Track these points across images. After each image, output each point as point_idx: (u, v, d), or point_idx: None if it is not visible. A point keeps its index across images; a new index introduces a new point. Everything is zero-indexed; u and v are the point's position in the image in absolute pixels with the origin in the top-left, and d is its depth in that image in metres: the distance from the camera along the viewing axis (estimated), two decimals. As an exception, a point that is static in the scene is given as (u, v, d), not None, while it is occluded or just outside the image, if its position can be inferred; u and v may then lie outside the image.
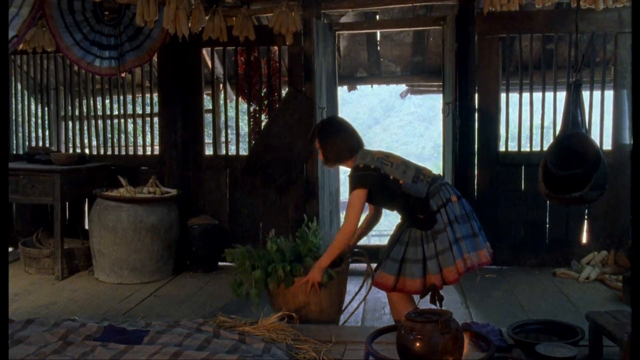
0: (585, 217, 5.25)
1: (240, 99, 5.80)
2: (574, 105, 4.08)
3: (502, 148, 5.34)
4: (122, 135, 6.05)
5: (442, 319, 2.31)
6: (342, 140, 3.49)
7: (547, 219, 5.26)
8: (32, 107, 6.43)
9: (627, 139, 5.11)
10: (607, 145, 5.14)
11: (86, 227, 5.60)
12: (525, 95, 5.28)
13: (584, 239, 5.26)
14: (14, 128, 6.33)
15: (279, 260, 3.69)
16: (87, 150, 6.11)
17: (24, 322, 3.56)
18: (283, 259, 3.71)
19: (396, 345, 2.38)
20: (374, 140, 32.11)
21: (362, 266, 4.03)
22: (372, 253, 4.47)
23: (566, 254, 5.19)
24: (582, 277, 4.84)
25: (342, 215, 4.19)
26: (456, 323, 2.38)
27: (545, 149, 4.89)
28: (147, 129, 5.98)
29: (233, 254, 3.84)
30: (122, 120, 6.15)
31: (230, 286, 3.78)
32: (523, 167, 5.27)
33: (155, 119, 5.86)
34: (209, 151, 5.77)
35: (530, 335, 3.24)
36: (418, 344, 2.26)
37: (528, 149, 5.33)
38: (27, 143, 6.35)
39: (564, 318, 3.51)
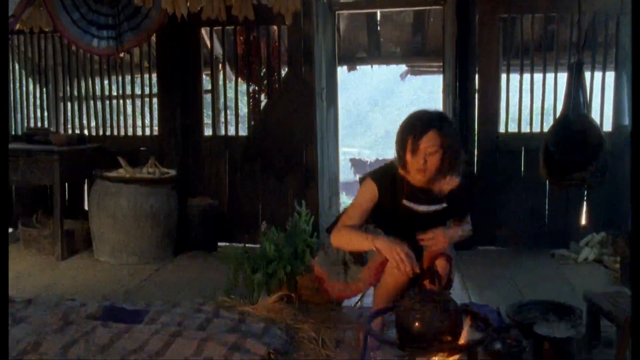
0: (585, 199, 5.26)
1: (239, 79, 5.77)
2: (575, 86, 4.06)
3: (502, 129, 5.33)
4: (121, 116, 6.02)
5: (441, 299, 2.32)
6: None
7: (547, 201, 5.27)
8: (31, 87, 6.40)
9: (628, 120, 5.09)
10: (607, 127, 5.13)
11: (86, 208, 5.60)
12: (526, 77, 5.26)
13: (583, 220, 5.27)
14: (12, 109, 6.30)
15: (277, 259, 3.70)
16: (86, 131, 6.09)
17: (24, 302, 3.59)
18: (281, 256, 3.72)
19: (395, 326, 2.39)
20: (373, 124, 32.02)
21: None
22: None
23: (565, 235, 5.20)
24: (580, 259, 4.86)
25: (342, 200, 4.14)
26: (455, 304, 2.39)
27: (545, 130, 4.88)
28: (146, 109, 5.95)
29: (227, 255, 3.86)
30: (121, 101, 6.11)
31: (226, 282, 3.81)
32: (523, 149, 5.26)
33: (154, 100, 5.83)
34: (208, 132, 5.75)
35: (528, 316, 3.27)
36: (417, 324, 2.27)
37: (528, 131, 5.32)
38: (25, 124, 6.33)
39: (562, 299, 3.52)
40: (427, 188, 2.95)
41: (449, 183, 3.00)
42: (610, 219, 5.14)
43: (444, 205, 2.99)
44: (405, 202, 2.94)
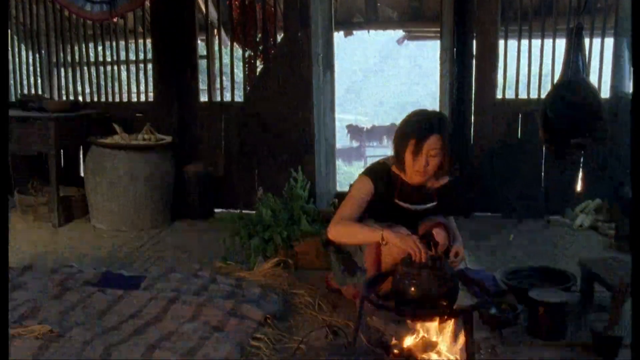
0: (581, 165, 5.26)
1: (235, 44, 5.71)
2: (575, 51, 4.02)
3: (499, 95, 5.30)
4: (116, 82, 5.96)
5: (437, 264, 2.33)
6: None
7: (543, 167, 5.28)
8: (23, 53, 6.31)
9: (627, 87, 5.07)
10: (605, 94, 5.10)
11: (82, 174, 5.59)
12: (524, 43, 5.21)
13: (579, 187, 5.29)
14: (5, 75, 6.22)
15: (274, 225, 3.71)
16: (80, 98, 6.03)
17: (22, 269, 3.60)
18: (277, 222, 3.72)
19: (391, 291, 2.41)
20: (369, 89, 31.86)
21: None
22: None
23: (561, 202, 5.22)
24: (575, 225, 4.88)
25: (339, 166, 4.13)
26: (451, 269, 2.40)
27: (542, 96, 4.86)
28: (141, 75, 5.89)
29: (224, 220, 3.87)
30: (115, 67, 6.04)
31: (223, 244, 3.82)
32: (520, 115, 5.25)
33: (149, 65, 5.77)
34: (203, 98, 5.71)
35: (523, 281, 3.30)
36: (413, 289, 2.28)
37: (525, 97, 5.29)
38: (19, 90, 6.27)
39: (557, 264, 3.55)
40: (420, 186, 3.01)
41: (440, 180, 3.06)
42: (606, 186, 5.16)
43: (434, 203, 3.06)
44: (397, 201, 3.01)
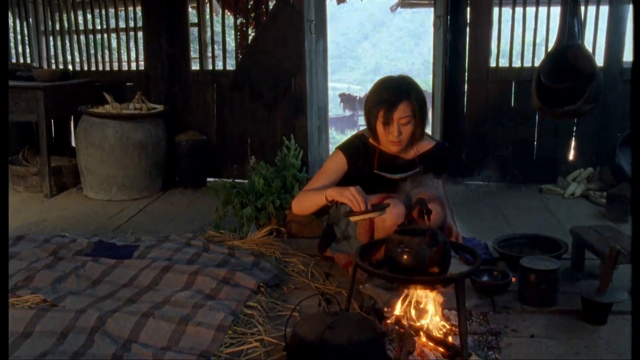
0: (574, 134, 5.27)
1: (226, 11, 5.63)
2: (571, 16, 3.97)
3: (492, 64, 5.27)
4: (106, 51, 5.89)
5: (430, 232, 2.33)
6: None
7: (536, 136, 5.28)
8: (10, 21, 6.21)
9: (623, 55, 5.05)
10: (599, 62, 5.07)
11: (73, 144, 5.55)
12: (519, 10, 5.16)
13: (571, 156, 5.30)
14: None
15: (267, 193, 3.70)
16: (70, 67, 5.96)
17: (14, 239, 3.59)
18: (270, 190, 3.71)
19: (384, 258, 2.41)
20: (363, 57, 31.64)
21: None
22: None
23: (553, 170, 5.24)
24: (567, 193, 4.90)
25: (332, 136, 4.11)
26: (443, 236, 2.41)
27: (536, 65, 4.83)
28: (132, 44, 5.82)
29: (216, 188, 3.85)
30: (105, 35, 5.96)
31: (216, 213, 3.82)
32: (513, 84, 5.23)
33: (140, 34, 5.70)
34: (195, 66, 5.65)
35: (515, 249, 3.32)
36: (405, 257, 2.29)
37: (519, 65, 5.26)
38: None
39: (549, 232, 3.57)
40: (400, 155, 2.98)
41: (423, 145, 3.02)
42: (598, 155, 5.17)
43: (417, 169, 3.02)
44: (377, 172, 2.98)
